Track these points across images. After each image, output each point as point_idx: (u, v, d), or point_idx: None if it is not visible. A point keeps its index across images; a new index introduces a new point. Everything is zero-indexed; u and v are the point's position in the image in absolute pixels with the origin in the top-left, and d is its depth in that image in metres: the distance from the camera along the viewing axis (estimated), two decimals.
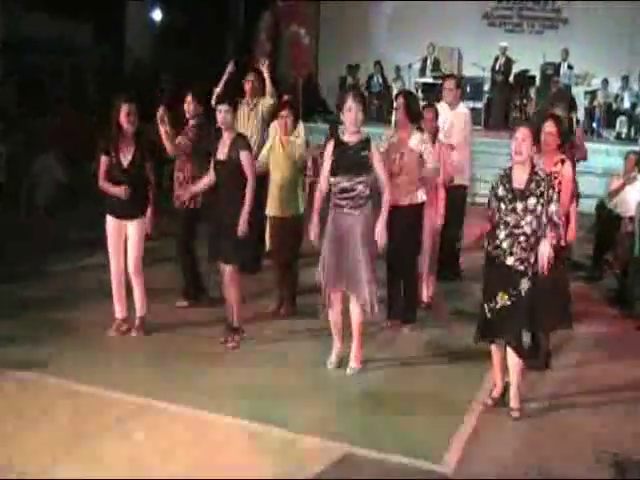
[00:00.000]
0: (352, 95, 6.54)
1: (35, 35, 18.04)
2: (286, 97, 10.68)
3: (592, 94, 19.20)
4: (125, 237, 7.32)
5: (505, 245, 5.86)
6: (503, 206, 5.86)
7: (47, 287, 8.76)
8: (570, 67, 19.04)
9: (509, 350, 5.95)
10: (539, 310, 5.99)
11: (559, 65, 19.05)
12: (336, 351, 6.82)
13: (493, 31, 20.94)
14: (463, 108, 9.65)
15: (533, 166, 5.91)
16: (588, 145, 16.97)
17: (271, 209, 7.93)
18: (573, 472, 5.21)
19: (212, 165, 7.18)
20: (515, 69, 19.20)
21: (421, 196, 7.58)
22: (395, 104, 7.85)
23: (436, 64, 19.62)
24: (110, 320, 7.48)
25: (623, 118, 18.53)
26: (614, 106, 18.93)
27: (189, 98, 8.16)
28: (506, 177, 5.93)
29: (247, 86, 9.52)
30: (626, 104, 18.76)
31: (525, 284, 5.85)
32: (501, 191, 5.90)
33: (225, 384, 6.36)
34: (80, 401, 5.96)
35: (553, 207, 5.78)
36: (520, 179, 5.87)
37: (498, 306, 5.91)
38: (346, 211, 6.52)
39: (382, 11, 21.17)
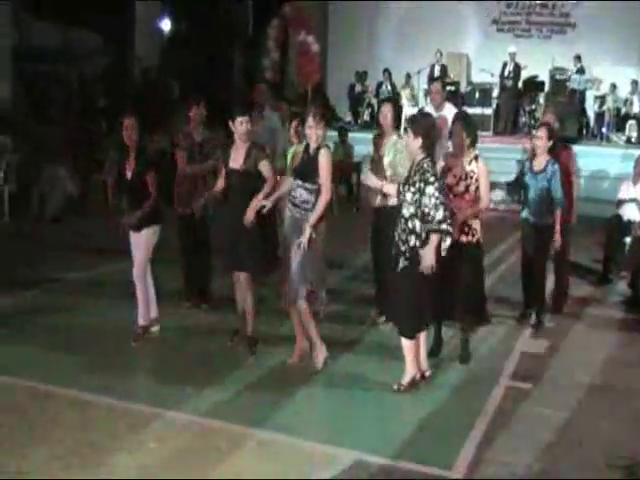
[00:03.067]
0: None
1: (44, 44, 18.15)
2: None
3: (601, 98, 19.19)
4: None
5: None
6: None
7: (57, 295, 8.79)
8: (581, 71, 19.00)
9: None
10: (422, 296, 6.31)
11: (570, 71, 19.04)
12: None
13: (502, 36, 20.93)
14: (449, 109, 9.66)
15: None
16: (599, 149, 17.11)
17: None
18: (585, 476, 5.18)
19: (223, 173, 7.19)
20: (524, 75, 19.20)
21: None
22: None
23: (444, 70, 19.63)
24: (122, 328, 7.53)
25: (633, 122, 18.50)
26: (623, 110, 18.90)
27: (196, 109, 8.21)
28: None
29: (256, 96, 9.54)
30: (635, 108, 18.72)
31: (401, 263, 6.21)
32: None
33: (235, 391, 6.36)
34: (90, 410, 5.96)
35: (426, 200, 6.07)
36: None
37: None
38: None
39: (390, 18, 21.21)
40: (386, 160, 7.56)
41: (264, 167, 7.07)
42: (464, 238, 6.78)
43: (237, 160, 7.08)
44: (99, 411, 5.95)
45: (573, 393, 6.57)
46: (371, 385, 6.57)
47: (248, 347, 7.19)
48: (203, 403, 6.10)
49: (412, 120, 6.45)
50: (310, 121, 6.63)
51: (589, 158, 16.65)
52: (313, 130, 6.63)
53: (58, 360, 6.89)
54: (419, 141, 6.18)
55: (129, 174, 7.30)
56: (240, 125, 7.03)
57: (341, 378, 6.69)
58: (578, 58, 18.92)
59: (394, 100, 9.28)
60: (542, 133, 8.11)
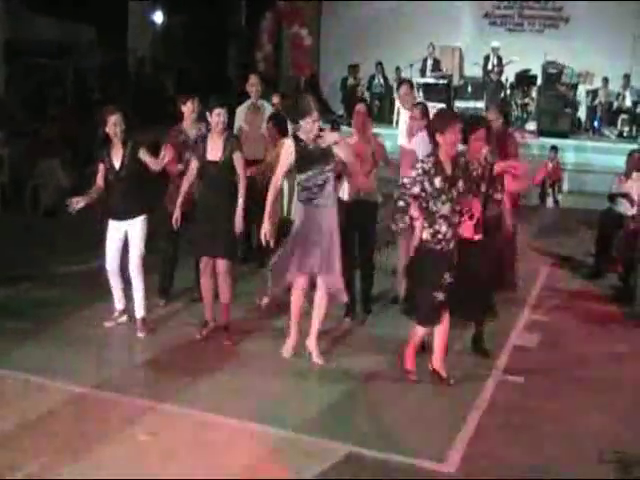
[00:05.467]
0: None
1: (38, 37, 18.08)
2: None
3: (593, 93, 19.22)
4: (125, 237, 7.44)
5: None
6: None
7: (50, 289, 8.76)
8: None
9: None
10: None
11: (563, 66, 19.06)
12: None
13: (494, 30, 20.95)
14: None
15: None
16: (591, 144, 17.15)
17: None
18: (577, 471, 5.21)
19: (195, 165, 7.18)
20: (516, 68, 19.21)
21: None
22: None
23: (437, 64, 19.63)
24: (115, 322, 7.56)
25: (625, 116, 18.55)
26: (615, 104, 18.94)
27: (191, 104, 8.15)
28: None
29: (251, 88, 9.54)
30: (628, 102, 18.76)
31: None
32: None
33: (227, 385, 6.37)
34: (84, 403, 5.97)
35: None
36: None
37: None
38: None
39: (383, 11, 21.17)
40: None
41: (237, 160, 7.12)
42: (476, 237, 6.66)
43: (215, 152, 7.10)
44: (92, 404, 5.95)
45: (565, 387, 6.61)
46: (363, 378, 6.59)
47: (228, 337, 7.23)
48: (195, 396, 6.11)
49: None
50: (315, 116, 6.62)
51: (581, 152, 16.72)
52: (318, 124, 6.68)
53: (50, 353, 6.88)
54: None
55: (117, 164, 7.33)
56: (217, 116, 7.05)
57: (333, 371, 6.71)
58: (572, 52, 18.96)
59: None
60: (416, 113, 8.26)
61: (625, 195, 10.18)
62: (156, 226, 7.75)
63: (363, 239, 7.87)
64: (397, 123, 17.77)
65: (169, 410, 5.88)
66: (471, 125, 6.64)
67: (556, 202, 15.34)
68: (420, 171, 6.15)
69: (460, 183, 6.23)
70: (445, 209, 6.16)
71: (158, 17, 22.16)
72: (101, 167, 7.43)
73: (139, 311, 7.49)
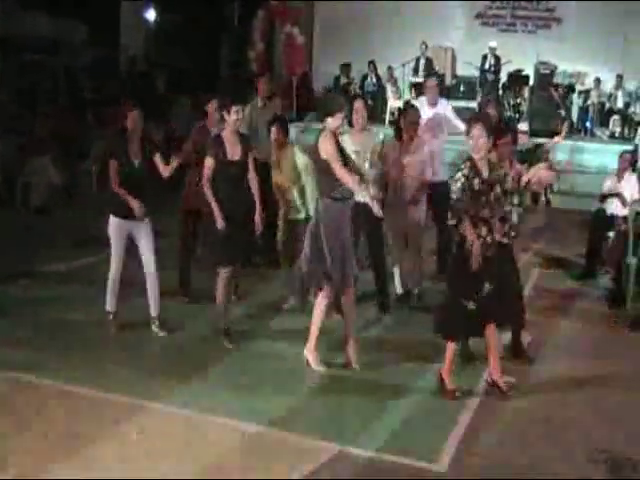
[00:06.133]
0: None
1: (29, 34, 18.04)
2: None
3: (586, 93, 19.25)
4: (130, 237, 7.35)
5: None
6: None
7: (41, 287, 8.74)
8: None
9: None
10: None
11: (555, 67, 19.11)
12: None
13: (486, 30, 20.96)
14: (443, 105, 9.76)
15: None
16: (583, 144, 17.17)
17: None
18: (566, 471, 5.23)
19: (211, 164, 6.99)
20: (509, 68, 19.24)
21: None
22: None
23: (429, 63, 19.64)
24: (103, 319, 7.50)
25: (616, 117, 18.58)
26: (607, 105, 18.97)
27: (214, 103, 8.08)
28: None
29: (260, 86, 9.53)
30: (619, 103, 18.79)
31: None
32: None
33: (219, 384, 6.37)
34: (74, 402, 5.95)
35: None
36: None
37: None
38: None
39: (376, 10, 21.16)
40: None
41: (251, 160, 7.14)
42: (505, 239, 6.65)
43: (234, 151, 7.04)
44: (83, 402, 5.94)
45: (555, 386, 6.62)
46: (355, 378, 6.60)
47: (228, 339, 7.20)
48: (187, 395, 6.11)
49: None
50: (344, 112, 6.66)
51: (574, 153, 16.74)
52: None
53: (41, 351, 6.86)
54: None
55: (136, 162, 7.21)
56: (235, 114, 6.99)
57: (325, 371, 6.70)
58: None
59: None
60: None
61: (617, 195, 10.19)
62: (172, 225, 7.71)
63: (374, 239, 7.89)
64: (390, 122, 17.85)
65: (160, 409, 5.87)
66: (499, 130, 6.63)
67: (548, 202, 15.36)
68: (463, 179, 6.02)
69: (498, 188, 6.14)
70: (485, 213, 6.08)
71: (151, 15, 22.13)
72: (114, 164, 7.17)
73: (156, 309, 7.45)
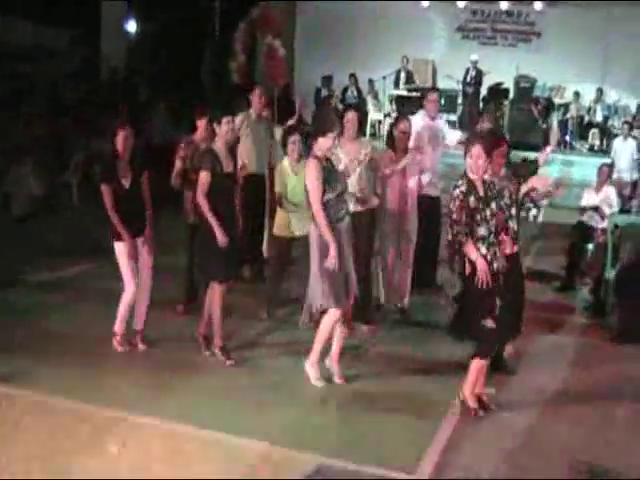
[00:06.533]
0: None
1: (10, 41, 17.94)
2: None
3: (565, 106, 19.40)
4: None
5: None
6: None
7: (24, 297, 8.66)
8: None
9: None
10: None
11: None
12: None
13: (467, 44, 21.10)
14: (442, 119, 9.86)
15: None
16: (562, 157, 17.27)
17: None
18: None
19: (207, 178, 6.86)
20: (489, 81, 19.36)
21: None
22: None
23: (410, 76, 19.73)
24: (88, 332, 7.49)
25: (595, 130, 18.74)
26: (587, 118, 19.12)
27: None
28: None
29: (254, 99, 9.43)
30: (598, 116, 18.95)
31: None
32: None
33: (201, 397, 6.34)
34: (54, 414, 5.91)
35: None
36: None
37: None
38: None
39: (357, 23, 21.26)
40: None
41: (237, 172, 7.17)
42: (516, 248, 6.69)
43: (227, 163, 7.00)
44: (62, 415, 5.90)
45: (536, 397, 6.64)
46: (337, 390, 6.59)
47: (225, 354, 7.13)
48: (168, 407, 6.08)
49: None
50: (336, 132, 6.59)
51: (553, 166, 16.82)
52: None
53: (20, 363, 6.80)
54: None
55: (126, 183, 7.08)
56: (227, 125, 6.96)
57: (305, 383, 6.67)
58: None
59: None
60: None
61: (595, 208, 10.27)
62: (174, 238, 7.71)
63: (364, 249, 7.86)
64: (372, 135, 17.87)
65: (140, 421, 5.84)
66: (495, 140, 6.66)
67: (536, 217, 15.39)
68: (461, 196, 6.01)
69: (493, 204, 6.12)
70: (482, 230, 6.05)
71: (132, 25, 22.09)
72: (107, 189, 6.99)
73: (142, 324, 7.36)
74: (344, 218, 6.57)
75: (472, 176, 6.08)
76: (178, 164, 8.03)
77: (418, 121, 9.08)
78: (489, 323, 6.04)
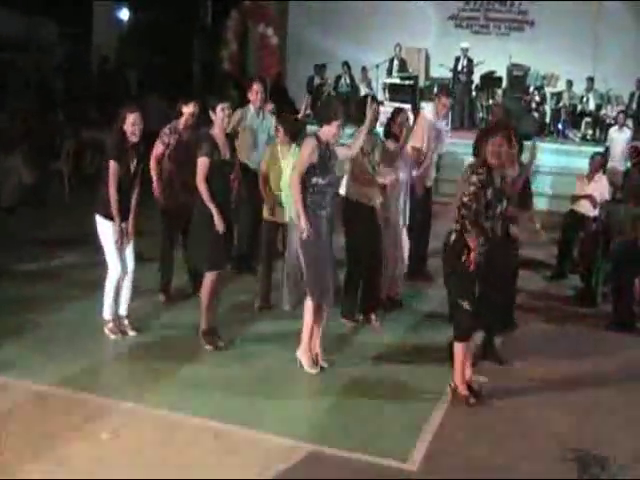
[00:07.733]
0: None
1: (1, 32, 17.88)
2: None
3: (558, 95, 19.38)
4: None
5: None
6: None
7: (12, 287, 8.63)
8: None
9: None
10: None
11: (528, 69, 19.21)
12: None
13: (460, 32, 21.04)
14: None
15: None
16: (555, 146, 17.29)
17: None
18: (538, 469, 5.26)
19: (207, 164, 6.79)
20: (482, 70, 19.32)
21: None
22: None
23: (403, 65, 19.69)
24: (78, 320, 7.49)
25: (588, 119, 18.72)
26: (579, 107, 19.10)
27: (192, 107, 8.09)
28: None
29: (254, 92, 9.34)
30: (591, 105, 18.93)
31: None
32: None
33: (193, 384, 6.34)
34: (46, 401, 5.91)
35: None
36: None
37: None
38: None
39: (350, 11, 21.19)
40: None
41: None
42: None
43: (225, 150, 6.96)
44: (54, 402, 5.89)
45: (528, 386, 6.66)
46: (329, 378, 6.59)
47: (214, 339, 7.13)
48: (160, 396, 6.08)
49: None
50: (341, 120, 6.48)
51: (546, 154, 16.83)
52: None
53: (12, 351, 6.79)
54: None
55: (132, 167, 7.06)
56: (222, 112, 6.91)
57: (299, 371, 6.67)
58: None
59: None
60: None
61: (587, 197, 10.29)
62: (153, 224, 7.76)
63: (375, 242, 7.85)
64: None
65: (132, 409, 5.83)
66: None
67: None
68: (479, 185, 5.93)
69: (505, 202, 6.13)
70: (487, 224, 6.03)
71: (124, 14, 22.02)
72: (116, 167, 6.92)
73: (127, 309, 7.33)
74: (326, 207, 6.53)
75: (493, 163, 6.00)
76: (160, 148, 8.01)
77: (427, 115, 9.38)
78: (465, 305, 6.07)
